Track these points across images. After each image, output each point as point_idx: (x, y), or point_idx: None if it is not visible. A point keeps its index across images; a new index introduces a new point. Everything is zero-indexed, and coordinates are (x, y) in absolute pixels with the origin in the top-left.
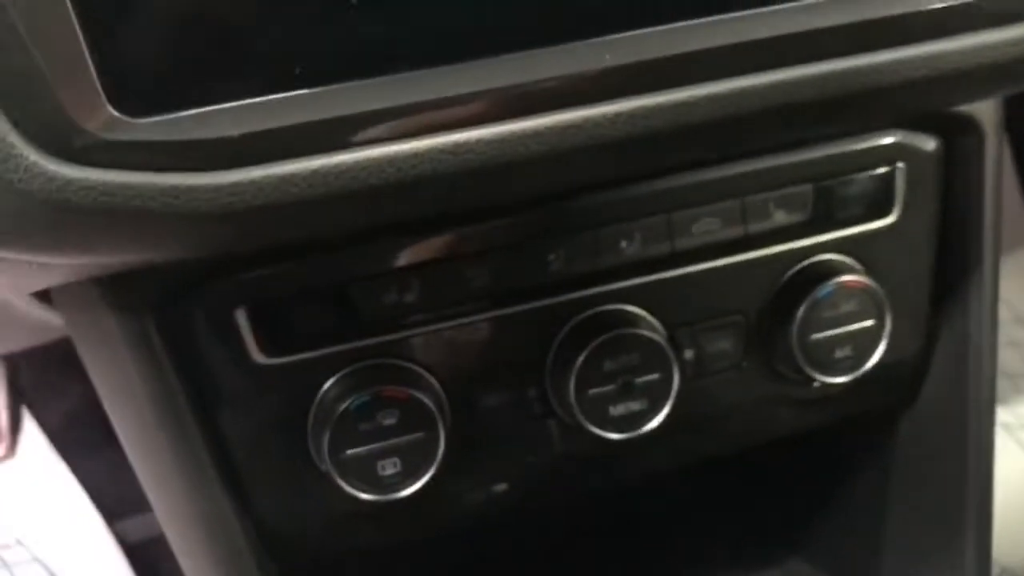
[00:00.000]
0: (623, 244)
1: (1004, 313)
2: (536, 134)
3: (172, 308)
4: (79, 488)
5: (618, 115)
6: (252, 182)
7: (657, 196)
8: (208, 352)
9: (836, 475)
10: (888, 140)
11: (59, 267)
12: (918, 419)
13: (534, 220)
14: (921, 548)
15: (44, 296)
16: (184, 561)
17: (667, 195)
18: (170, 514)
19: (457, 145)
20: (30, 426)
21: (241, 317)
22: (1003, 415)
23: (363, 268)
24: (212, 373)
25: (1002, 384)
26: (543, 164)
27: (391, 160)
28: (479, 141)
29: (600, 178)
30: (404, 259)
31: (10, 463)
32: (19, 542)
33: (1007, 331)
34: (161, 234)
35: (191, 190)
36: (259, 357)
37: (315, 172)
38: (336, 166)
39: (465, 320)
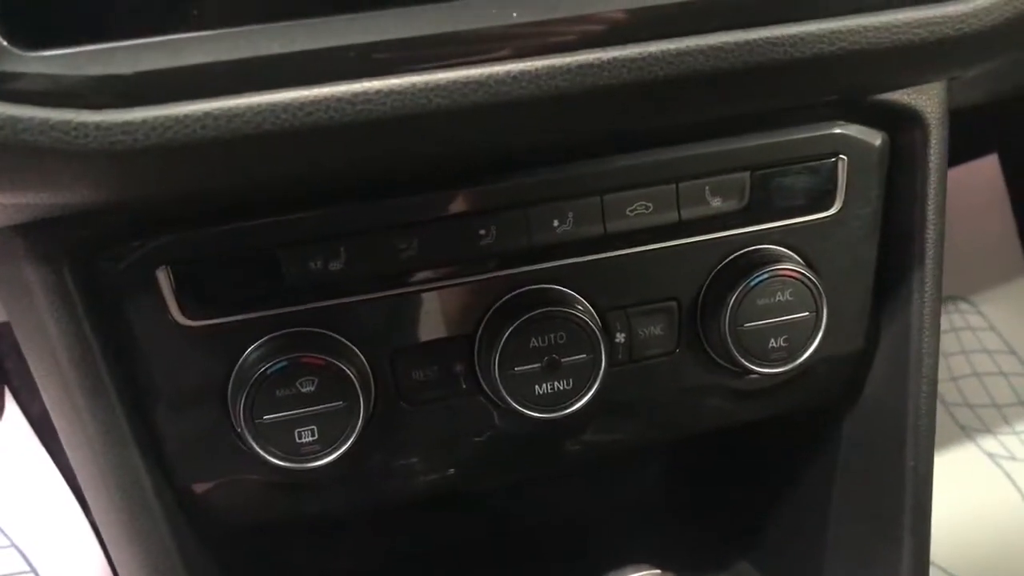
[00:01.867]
0: (555, 224)
1: (994, 342)
2: (437, 88)
3: (92, 261)
4: (59, 476)
5: (522, 73)
6: (144, 122)
7: (591, 177)
8: (128, 310)
9: (781, 476)
10: (831, 131)
11: None
12: (859, 418)
13: (466, 194)
14: (861, 551)
15: None
16: (100, 521)
17: (601, 176)
18: (87, 473)
19: (355, 95)
20: (13, 411)
21: (163, 276)
22: (990, 444)
23: (289, 234)
24: (131, 331)
25: (990, 413)
26: (446, 121)
27: (285, 106)
28: (378, 92)
29: (513, 144)
30: (332, 227)
31: None
32: None
33: (997, 360)
34: (52, 172)
35: (82, 127)
36: (180, 318)
37: (207, 114)
38: (229, 110)
39: (392, 292)
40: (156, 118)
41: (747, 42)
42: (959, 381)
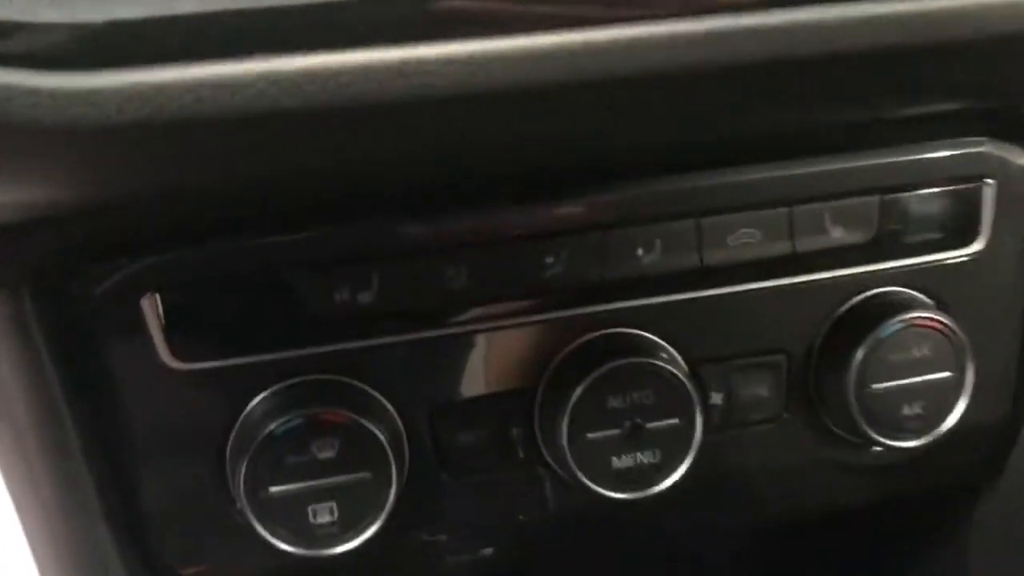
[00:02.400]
0: (639, 252)
1: None
2: (502, 59)
3: (57, 287)
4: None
5: (613, 42)
6: (117, 90)
7: (686, 195)
8: (103, 348)
9: (901, 569)
10: (976, 149)
11: None
12: (1001, 499)
13: (530, 211)
14: None
15: None
16: None
17: (698, 195)
18: (42, 548)
19: (404, 63)
20: None
21: (148, 306)
22: None
23: (309, 254)
24: (106, 375)
25: None
26: (510, 103)
27: (313, 75)
28: (436, 60)
29: (592, 144)
30: (363, 247)
31: None
32: None
33: None
34: None
35: (31, 94)
36: (168, 360)
37: (201, 83)
38: (233, 78)
39: (434, 332)
40: (134, 86)
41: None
42: None
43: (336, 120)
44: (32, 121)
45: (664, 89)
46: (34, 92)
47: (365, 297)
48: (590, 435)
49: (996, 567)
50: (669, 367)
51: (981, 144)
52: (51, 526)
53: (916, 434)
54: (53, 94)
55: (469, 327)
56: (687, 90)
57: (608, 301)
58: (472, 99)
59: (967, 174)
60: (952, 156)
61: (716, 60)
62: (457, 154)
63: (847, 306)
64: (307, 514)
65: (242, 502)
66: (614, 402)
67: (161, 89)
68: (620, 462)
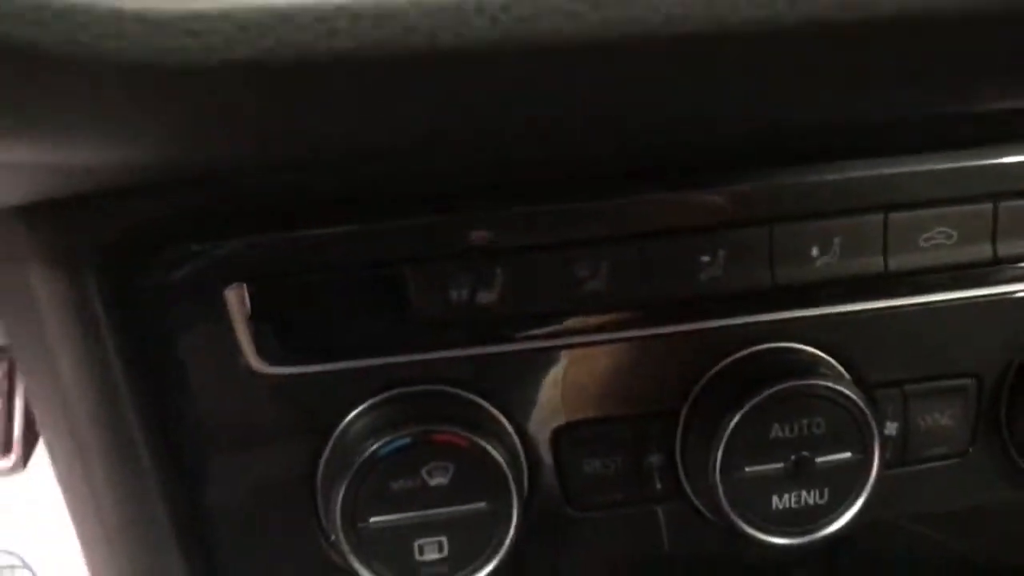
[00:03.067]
0: (814, 252)
1: None
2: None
3: (130, 270)
4: None
5: None
6: (226, 16)
7: (871, 185)
8: (180, 346)
9: None
10: None
11: None
12: None
13: (682, 200)
14: None
15: None
16: None
17: (886, 185)
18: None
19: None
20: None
21: (234, 298)
22: None
23: (422, 244)
24: (182, 378)
25: None
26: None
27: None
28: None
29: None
30: (485, 238)
31: (20, 476)
32: (24, 564)
33: None
34: (53, 98)
35: (112, 20)
36: (255, 362)
37: (340, 9)
38: (377, 6)
39: (563, 340)
40: (247, 12)
41: None
42: None
43: (490, 68)
44: (113, 55)
45: (846, 46)
46: (117, 15)
47: (485, 296)
48: (747, 469)
49: None
50: (845, 390)
51: None
52: (113, 558)
53: None
54: (142, 18)
55: (604, 335)
56: (873, 48)
57: (773, 310)
58: (625, 52)
59: None
60: None
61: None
62: (600, 126)
63: None
64: (413, 550)
65: (337, 534)
66: (779, 432)
67: (286, 16)
68: (781, 502)
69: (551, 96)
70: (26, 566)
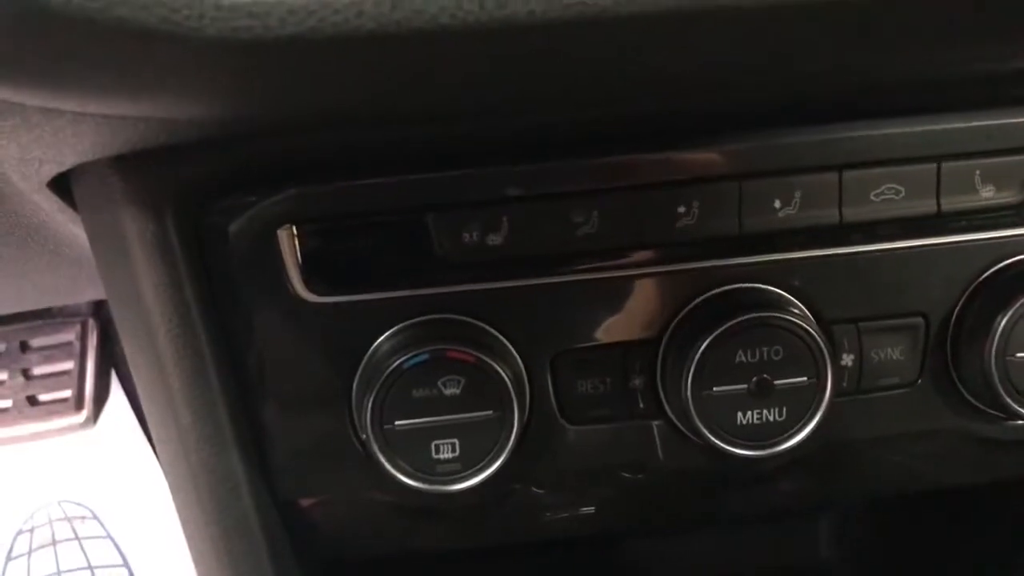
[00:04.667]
0: (776, 205)
1: None
2: None
3: (201, 212)
4: (159, 468)
5: None
6: (281, 2)
7: (828, 147)
8: (240, 276)
9: (1007, 552)
10: None
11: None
12: None
13: (664, 159)
14: None
15: (64, 193)
16: (187, 534)
17: (841, 147)
18: (176, 475)
19: None
20: (117, 396)
21: (285, 238)
22: None
23: (442, 195)
24: (242, 303)
25: None
26: (654, 30)
27: None
28: None
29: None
30: (494, 190)
31: (91, 432)
32: (94, 515)
33: None
34: (154, 69)
35: (196, 5)
36: (303, 292)
37: None
38: None
39: (561, 278)
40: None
41: None
42: None
43: (490, 40)
44: (196, 32)
45: (808, 20)
46: (199, 3)
47: (494, 239)
48: (716, 389)
49: None
50: (802, 323)
51: None
52: (185, 452)
53: None
54: (218, 5)
55: (596, 274)
56: (836, 22)
57: (741, 254)
58: (617, 25)
59: None
60: None
61: None
62: (593, 93)
63: (992, 270)
64: (430, 449)
65: (367, 434)
66: (743, 356)
67: (325, 2)
68: (744, 418)
69: (537, 72)
70: (95, 517)
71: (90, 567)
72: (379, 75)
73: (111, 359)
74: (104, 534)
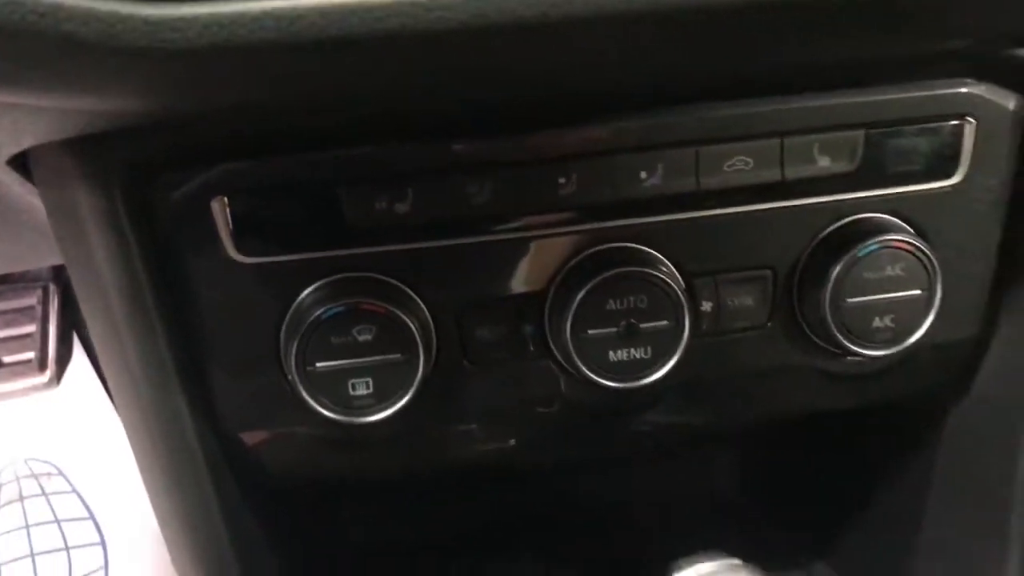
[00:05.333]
0: (643, 176)
1: None
2: None
3: (145, 187)
4: (121, 424)
5: None
6: (196, 19)
7: (686, 126)
8: (180, 242)
9: (872, 473)
10: (958, 90)
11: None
12: (967, 413)
13: (546, 138)
14: (958, 559)
15: (22, 169)
16: (141, 468)
17: (697, 126)
18: (130, 415)
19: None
20: (80, 358)
21: (218, 208)
22: None
23: (354, 170)
24: (183, 265)
25: None
26: (532, 35)
27: (354, 9)
28: None
29: (605, 76)
30: (400, 165)
31: (55, 392)
32: (60, 472)
33: None
34: (96, 71)
35: (129, 21)
36: (234, 254)
37: (267, 14)
38: (292, 9)
39: (460, 240)
40: (211, 15)
41: None
42: None
43: (370, 48)
44: (129, 44)
45: (667, 29)
46: (131, 19)
47: (402, 207)
48: (591, 332)
49: (960, 472)
50: (661, 275)
51: (964, 85)
52: (137, 395)
53: (885, 345)
54: (147, 21)
55: (490, 237)
56: (690, 29)
57: (613, 218)
58: (488, 33)
59: (949, 112)
60: (935, 95)
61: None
62: (479, 84)
63: (829, 229)
64: (347, 387)
65: (293, 375)
66: (613, 304)
67: (234, 18)
68: (616, 356)
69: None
70: (60, 473)
71: (57, 520)
72: (281, 75)
73: (72, 322)
74: (70, 489)
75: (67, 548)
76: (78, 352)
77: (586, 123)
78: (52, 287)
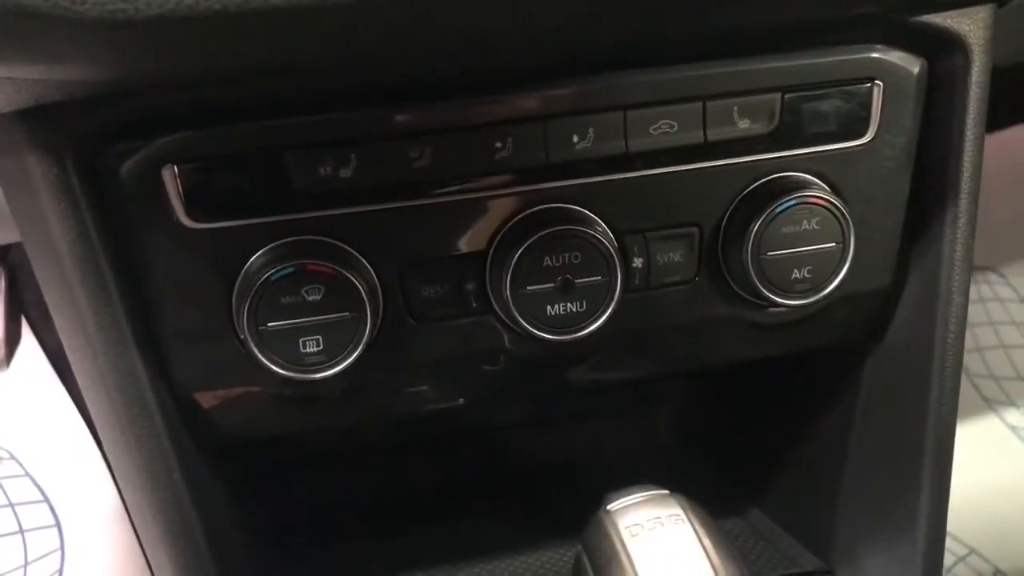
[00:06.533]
0: (575, 139)
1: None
2: None
3: (96, 155)
4: (72, 406)
5: None
6: None
7: (614, 91)
8: (132, 208)
9: (796, 418)
10: (867, 55)
11: None
12: (883, 359)
13: (482, 105)
14: (877, 498)
15: None
16: (99, 427)
17: (624, 91)
18: (87, 375)
19: None
20: (29, 341)
21: (168, 176)
22: (1013, 417)
23: (299, 137)
24: (136, 231)
25: (1015, 385)
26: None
27: None
28: None
29: (536, 41)
30: (343, 132)
31: (5, 375)
32: (12, 456)
33: None
34: (48, 42)
35: None
36: (185, 220)
37: None
38: None
39: (402, 203)
40: None
41: None
42: (985, 352)
43: (310, 16)
44: (80, 15)
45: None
46: None
47: (345, 172)
48: (529, 288)
49: (877, 416)
50: (594, 233)
51: (872, 50)
52: (94, 356)
53: (803, 295)
54: None
55: (432, 199)
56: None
57: (548, 180)
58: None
59: (859, 76)
60: (846, 60)
61: None
62: (417, 52)
63: (750, 187)
64: (298, 345)
65: (245, 334)
66: (549, 261)
67: None
68: (553, 310)
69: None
70: (12, 457)
71: (11, 504)
72: (227, 44)
73: (20, 305)
74: (23, 472)
75: (22, 531)
76: (27, 334)
77: (520, 90)
78: None
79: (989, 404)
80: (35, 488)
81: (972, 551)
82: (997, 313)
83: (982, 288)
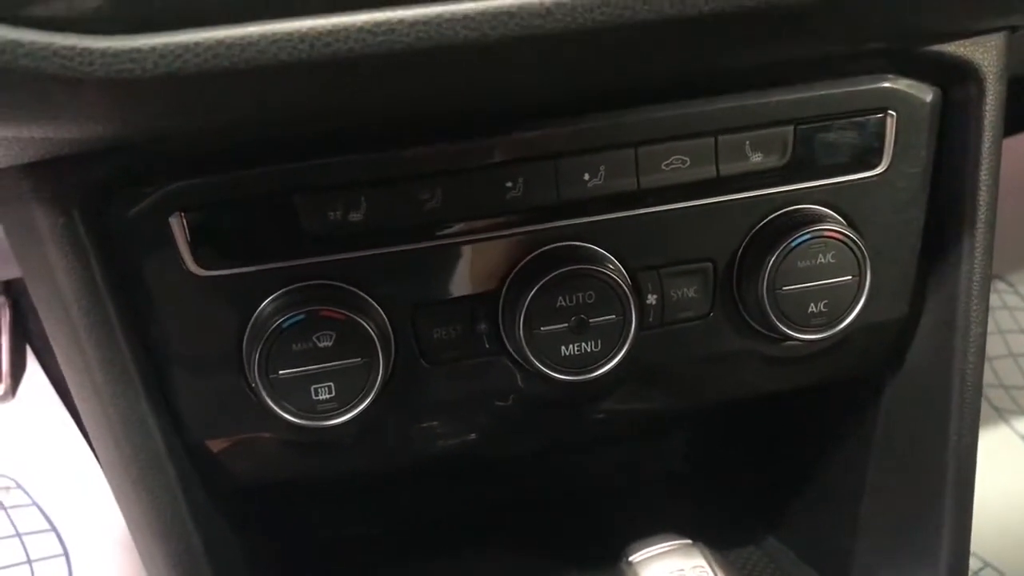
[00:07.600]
0: (586, 177)
1: None
2: (465, 18)
3: (103, 206)
4: (78, 435)
5: (557, 4)
6: (152, 50)
7: (625, 128)
8: (140, 257)
9: (815, 449)
10: (879, 85)
11: None
12: (901, 389)
13: (493, 145)
14: (897, 528)
15: None
16: (109, 478)
17: (635, 128)
18: (96, 425)
19: (377, 24)
20: (34, 369)
21: (176, 223)
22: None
23: (308, 181)
24: (144, 280)
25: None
26: (475, 56)
27: (303, 36)
28: (401, 21)
29: (544, 85)
30: (353, 175)
31: (10, 405)
32: (18, 485)
33: None
34: (56, 102)
35: (86, 54)
36: (193, 267)
37: (219, 43)
38: (242, 38)
39: (413, 245)
40: (165, 45)
41: None
42: (994, 362)
43: (321, 72)
44: (89, 75)
45: (611, 41)
46: (89, 52)
47: (355, 216)
48: (543, 328)
49: (896, 446)
50: (608, 272)
51: (884, 80)
52: (103, 406)
53: (821, 329)
54: (104, 53)
55: (443, 241)
56: (630, 43)
57: (560, 219)
58: (444, 53)
59: (872, 107)
60: (858, 91)
61: (645, 18)
62: (426, 99)
63: (764, 221)
64: (310, 392)
65: (256, 383)
66: (563, 301)
67: (186, 48)
68: (567, 350)
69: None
70: (19, 486)
71: (18, 534)
72: (233, 98)
73: (25, 334)
74: (30, 502)
75: (29, 561)
76: (32, 364)
77: (530, 129)
78: (3, 299)
79: (1000, 414)
80: (42, 517)
81: (986, 564)
82: (1006, 322)
83: (990, 297)
